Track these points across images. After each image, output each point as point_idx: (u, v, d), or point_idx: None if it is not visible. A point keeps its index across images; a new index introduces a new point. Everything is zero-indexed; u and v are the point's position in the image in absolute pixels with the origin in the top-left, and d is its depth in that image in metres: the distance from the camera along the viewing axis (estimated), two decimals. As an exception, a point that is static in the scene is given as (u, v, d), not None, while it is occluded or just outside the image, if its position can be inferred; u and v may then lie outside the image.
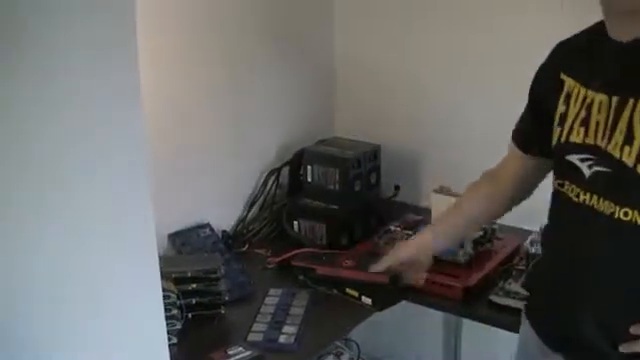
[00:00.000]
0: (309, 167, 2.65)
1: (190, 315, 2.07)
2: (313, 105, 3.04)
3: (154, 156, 2.28)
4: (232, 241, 2.61)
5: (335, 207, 2.60)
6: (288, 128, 2.92)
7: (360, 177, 2.64)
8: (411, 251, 2.07)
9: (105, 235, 1.27)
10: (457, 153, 2.73)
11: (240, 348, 1.93)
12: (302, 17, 2.94)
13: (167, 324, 1.93)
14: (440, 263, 2.25)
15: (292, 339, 2.00)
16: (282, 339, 2.00)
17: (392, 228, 2.61)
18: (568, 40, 1.67)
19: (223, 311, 2.13)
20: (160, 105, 2.33)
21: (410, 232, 2.55)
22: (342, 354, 3.22)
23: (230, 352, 1.92)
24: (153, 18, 2.21)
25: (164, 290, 1.94)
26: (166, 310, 1.92)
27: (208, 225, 2.56)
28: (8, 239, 1.13)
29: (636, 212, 1.41)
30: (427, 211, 2.58)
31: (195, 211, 2.58)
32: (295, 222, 2.65)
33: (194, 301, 2.09)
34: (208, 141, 2.60)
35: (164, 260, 2.12)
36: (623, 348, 1.49)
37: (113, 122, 1.26)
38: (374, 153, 2.72)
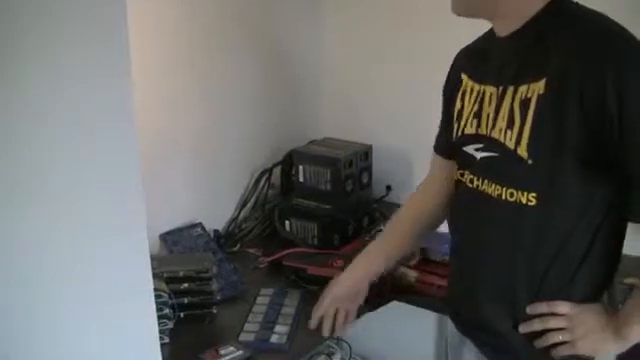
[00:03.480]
0: (300, 167, 2.66)
1: (182, 314, 2.07)
2: (304, 105, 3.06)
3: (146, 156, 2.31)
4: (224, 241, 2.61)
5: (327, 207, 2.60)
6: (280, 128, 2.93)
7: (352, 177, 2.65)
8: (346, 287, 2.04)
9: (96, 235, 1.27)
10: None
11: (232, 348, 1.93)
12: (291, 18, 2.95)
13: (159, 323, 1.94)
14: (431, 264, 2.26)
15: (284, 339, 2.00)
16: (274, 339, 2.00)
17: (383, 228, 2.61)
18: (469, 45, 1.78)
19: (215, 311, 2.13)
20: (151, 105, 2.33)
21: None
22: (334, 354, 3.22)
23: (222, 352, 1.91)
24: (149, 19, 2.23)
25: (156, 290, 1.95)
26: (158, 309, 1.93)
27: (200, 225, 2.57)
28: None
29: (519, 192, 1.49)
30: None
31: (187, 211, 2.59)
32: (287, 222, 2.65)
33: (186, 300, 2.09)
34: (200, 141, 2.60)
35: (156, 260, 2.13)
36: (522, 328, 1.56)
37: (104, 122, 1.26)
38: (366, 153, 2.72)
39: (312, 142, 2.81)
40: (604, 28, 1.41)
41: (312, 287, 2.28)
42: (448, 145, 1.81)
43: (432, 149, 1.95)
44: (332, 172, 2.58)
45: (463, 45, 1.80)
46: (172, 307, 2.01)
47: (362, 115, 3.04)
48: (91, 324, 1.30)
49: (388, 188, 2.93)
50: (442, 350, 3.00)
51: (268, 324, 2.08)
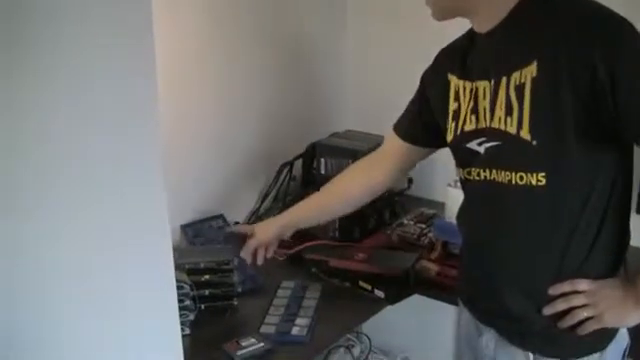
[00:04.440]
0: (322, 159, 2.65)
1: (203, 306, 2.08)
2: (328, 98, 3.05)
3: (168, 147, 2.31)
4: (245, 233, 2.60)
5: (348, 199, 2.57)
6: (302, 121, 2.93)
7: (373, 169, 2.62)
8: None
9: (119, 229, 1.26)
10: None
11: (252, 339, 1.94)
12: (316, 10, 2.95)
13: (180, 315, 1.94)
14: (452, 257, 2.25)
15: (304, 331, 2.00)
16: (294, 331, 2.00)
17: (405, 221, 2.62)
18: (449, 45, 1.82)
19: (236, 302, 2.13)
20: (174, 97, 2.34)
21: (423, 225, 2.55)
22: (353, 347, 3.23)
23: (242, 343, 1.92)
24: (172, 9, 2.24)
25: (177, 281, 1.96)
26: (179, 301, 1.93)
27: (221, 216, 2.56)
28: (22, 234, 1.12)
29: (528, 174, 1.51)
30: (440, 205, 2.58)
31: (208, 203, 2.59)
32: (308, 214, 2.64)
33: (207, 292, 2.09)
34: (222, 133, 2.60)
35: (177, 251, 2.14)
36: (546, 310, 1.59)
37: (127, 119, 1.25)
38: (387, 146, 2.70)
39: (334, 134, 2.80)
40: (586, 6, 1.44)
41: (333, 280, 2.28)
42: (417, 133, 1.98)
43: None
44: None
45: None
46: (193, 299, 2.02)
47: (385, 108, 3.01)
48: (113, 317, 1.29)
49: (410, 181, 2.91)
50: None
51: (289, 317, 2.08)
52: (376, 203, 2.63)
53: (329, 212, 2.22)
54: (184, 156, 2.45)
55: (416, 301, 2.26)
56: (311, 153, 2.72)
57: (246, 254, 2.13)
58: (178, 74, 2.36)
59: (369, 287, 2.20)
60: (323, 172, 2.65)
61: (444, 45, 1.84)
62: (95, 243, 1.22)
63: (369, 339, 3.21)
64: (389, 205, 2.75)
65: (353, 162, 2.53)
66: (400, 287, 2.20)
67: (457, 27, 1.74)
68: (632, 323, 1.58)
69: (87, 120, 1.15)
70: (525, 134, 1.48)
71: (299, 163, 2.81)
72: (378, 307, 2.21)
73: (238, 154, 2.68)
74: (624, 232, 1.60)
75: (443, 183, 2.52)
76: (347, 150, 2.61)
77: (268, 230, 2.14)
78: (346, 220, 2.55)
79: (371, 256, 2.30)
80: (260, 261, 2.14)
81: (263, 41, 2.70)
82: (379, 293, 2.18)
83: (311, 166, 2.73)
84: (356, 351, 3.25)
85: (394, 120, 2.93)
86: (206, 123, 2.53)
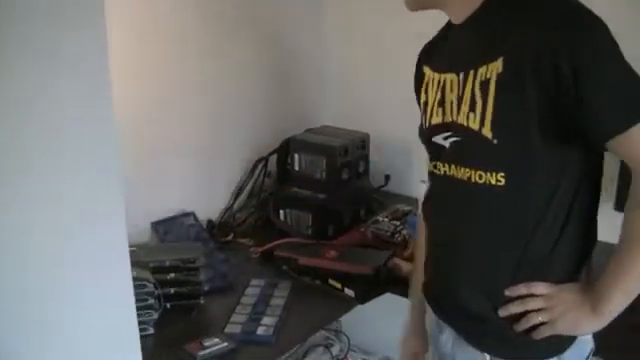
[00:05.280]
0: (296, 155, 2.61)
1: (168, 305, 2.04)
2: (303, 93, 3.01)
3: (139, 144, 2.28)
4: (217, 230, 2.57)
5: (321, 196, 2.55)
6: (279, 116, 2.89)
7: (348, 166, 2.60)
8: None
9: (73, 223, 1.25)
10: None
11: (216, 339, 1.89)
12: (291, 6, 2.90)
13: (143, 314, 1.92)
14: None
15: (270, 331, 1.95)
16: (260, 331, 1.96)
17: (380, 219, 2.58)
18: (431, 39, 1.77)
19: (203, 301, 2.09)
20: (145, 92, 2.31)
21: (397, 222, 2.51)
22: (332, 346, 3.20)
23: (205, 343, 1.87)
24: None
25: (140, 279, 1.93)
26: (142, 300, 1.91)
27: (192, 214, 2.53)
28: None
29: (488, 173, 1.47)
30: (417, 201, 2.54)
31: (180, 200, 2.55)
32: (281, 211, 2.61)
33: (172, 291, 2.05)
34: (194, 128, 2.56)
35: (143, 249, 2.10)
36: (502, 312, 1.54)
37: (82, 116, 1.23)
38: (362, 142, 2.67)
39: (309, 130, 2.76)
40: (556, 3, 1.40)
41: (304, 278, 2.24)
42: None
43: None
44: (327, 160, 2.53)
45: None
46: (158, 297, 1.98)
47: (363, 104, 2.99)
48: (64, 315, 1.28)
49: (387, 178, 2.87)
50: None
51: (256, 316, 2.03)
52: (352, 200, 2.60)
53: None
54: (155, 153, 2.41)
55: (395, 300, 2.21)
56: (285, 149, 2.68)
57: None
58: (151, 70, 2.33)
59: (339, 286, 2.16)
60: (297, 168, 2.61)
61: (425, 41, 1.80)
62: (45, 240, 1.21)
63: (348, 338, 3.17)
64: (365, 202, 2.70)
65: (328, 159, 2.51)
66: (371, 286, 2.16)
67: (441, 23, 1.71)
68: (586, 332, 1.54)
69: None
70: (487, 132, 1.44)
71: (274, 159, 2.77)
72: (348, 306, 2.17)
73: (212, 150, 2.64)
74: (589, 235, 1.55)
75: (420, 179, 2.47)
76: (321, 146, 2.57)
77: (418, 338, 2.02)
78: (319, 217, 2.51)
79: (343, 254, 2.27)
80: None
81: (240, 36, 2.66)
82: (349, 292, 2.14)
83: (286, 162, 2.69)
84: (335, 350, 3.21)
85: (372, 117, 2.93)
86: (178, 119, 2.49)
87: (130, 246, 2.03)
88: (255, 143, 2.79)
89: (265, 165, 2.76)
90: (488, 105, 1.43)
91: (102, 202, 1.32)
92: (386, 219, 2.56)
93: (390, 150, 2.89)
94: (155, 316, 1.96)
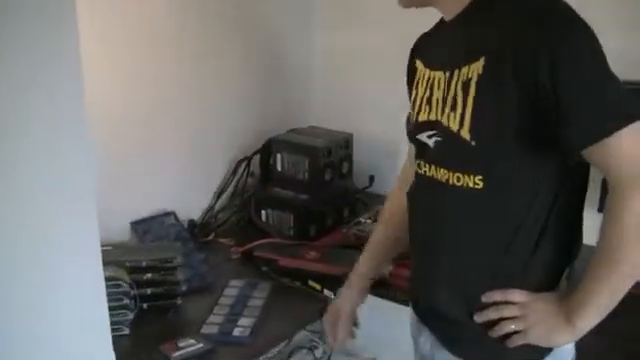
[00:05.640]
0: (279, 156, 2.59)
1: (145, 305, 2.01)
2: (288, 93, 2.98)
3: (119, 142, 2.26)
4: (197, 230, 2.54)
5: (304, 197, 2.53)
6: (263, 116, 2.86)
7: (331, 166, 2.58)
8: (333, 320, 1.96)
9: (44, 220, 1.24)
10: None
11: (192, 340, 1.87)
12: (279, 5, 2.88)
13: (118, 314, 1.90)
14: (407, 257, 2.18)
15: (247, 332, 1.93)
16: (237, 332, 1.94)
17: (362, 220, 2.56)
18: (426, 32, 1.73)
19: (180, 302, 2.06)
20: (126, 90, 2.30)
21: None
22: (316, 348, 3.17)
23: (181, 344, 1.85)
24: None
25: (116, 279, 1.90)
26: (117, 300, 1.89)
27: (173, 213, 2.50)
28: None
29: (466, 176, 1.44)
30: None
31: (162, 199, 2.52)
32: (263, 212, 2.59)
33: (149, 291, 2.02)
34: (177, 128, 2.54)
35: (120, 248, 2.08)
36: (478, 317, 1.51)
37: (55, 116, 1.22)
38: (346, 142, 2.66)
39: (293, 130, 2.74)
40: (540, 4, 1.37)
41: (284, 279, 2.22)
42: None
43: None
44: (310, 161, 2.51)
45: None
46: (133, 297, 1.95)
47: (348, 105, 2.97)
48: (34, 313, 1.27)
49: (371, 179, 2.85)
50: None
51: (233, 316, 2.01)
52: (334, 201, 2.58)
53: (395, 245, 1.93)
54: (136, 152, 2.39)
55: (379, 302, 2.19)
56: (268, 149, 2.66)
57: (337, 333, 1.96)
58: (132, 73, 2.31)
59: (319, 287, 2.14)
60: (279, 169, 2.59)
61: (411, 43, 1.77)
62: (15, 237, 1.20)
63: (332, 340, 3.15)
64: (349, 203, 2.68)
65: (311, 159, 2.49)
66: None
67: (428, 24, 1.68)
68: (558, 343, 1.49)
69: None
70: (465, 133, 1.41)
71: (257, 159, 2.74)
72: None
73: (195, 149, 2.62)
74: (571, 241, 1.52)
75: (405, 180, 2.46)
76: (303, 146, 2.55)
77: (349, 299, 1.96)
78: (301, 218, 2.49)
79: (323, 255, 2.25)
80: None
81: (225, 35, 2.64)
82: (329, 293, 2.12)
83: (269, 162, 2.66)
84: (318, 352, 3.19)
85: (357, 118, 2.91)
86: (161, 117, 2.47)
87: (107, 245, 2.03)
88: (239, 143, 2.77)
89: (248, 165, 2.74)
90: (468, 106, 1.41)
91: (71, 200, 1.30)
92: (369, 220, 2.54)
93: (375, 151, 2.87)
94: (130, 316, 1.93)
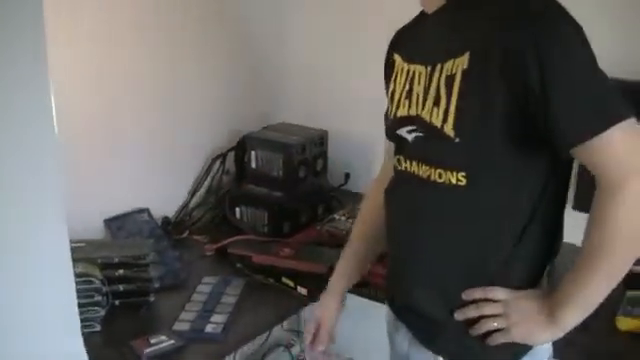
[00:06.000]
0: (253, 152, 2.58)
1: (117, 302, 2.00)
2: (264, 90, 2.98)
3: (92, 138, 2.25)
4: (172, 227, 2.54)
5: (278, 194, 2.53)
6: (238, 113, 2.85)
7: (305, 163, 2.58)
8: (314, 329, 1.93)
9: (9, 216, 1.23)
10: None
11: (163, 337, 1.86)
12: (253, 1, 2.86)
13: (89, 311, 1.90)
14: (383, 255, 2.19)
15: (219, 329, 1.93)
16: (209, 328, 1.94)
17: (336, 217, 2.55)
18: (405, 24, 1.70)
19: (152, 299, 2.06)
20: (97, 87, 2.28)
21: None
22: (293, 346, 3.19)
23: (152, 341, 1.84)
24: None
25: (87, 275, 1.89)
26: (88, 296, 1.88)
27: (147, 210, 2.49)
28: None
29: (448, 172, 1.42)
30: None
31: (136, 196, 2.51)
32: (237, 209, 2.58)
33: (121, 288, 2.02)
34: (151, 125, 2.52)
35: (91, 245, 2.07)
36: (458, 314, 1.49)
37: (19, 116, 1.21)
38: (321, 139, 2.65)
39: (267, 127, 2.74)
40: None
41: (257, 276, 2.21)
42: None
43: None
44: (284, 158, 2.51)
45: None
46: (105, 294, 1.94)
47: (323, 102, 2.97)
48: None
49: (347, 176, 2.85)
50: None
51: (206, 313, 2.01)
52: (309, 198, 2.58)
53: (375, 245, 1.88)
54: (108, 148, 2.37)
55: (357, 300, 2.19)
56: (243, 146, 2.65)
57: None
58: (104, 69, 2.29)
59: (292, 284, 2.14)
60: (254, 166, 2.59)
61: (385, 38, 1.75)
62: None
63: (308, 338, 3.15)
64: (323, 200, 2.68)
65: (285, 156, 2.49)
66: (324, 284, 2.12)
67: (403, 19, 1.67)
68: (541, 342, 1.49)
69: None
70: (449, 129, 1.38)
71: (232, 156, 2.74)
72: (301, 304, 2.16)
73: (169, 146, 2.60)
74: (552, 240, 1.50)
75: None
76: (277, 143, 2.55)
77: (330, 306, 1.92)
78: (275, 215, 2.49)
79: (297, 252, 2.25)
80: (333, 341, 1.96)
81: (200, 33, 2.64)
82: (302, 290, 2.12)
83: (243, 159, 2.65)
84: (295, 350, 3.20)
85: (332, 115, 2.90)
86: (134, 116, 2.46)
87: (80, 242, 2.02)
88: (214, 140, 2.76)
89: (223, 162, 2.73)
90: (452, 102, 1.38)
91: (40, 198, 1.30)
92: (343, 217, 2.54)
93: (351, 148, 2.87)
94: (102, 313, 1.93)
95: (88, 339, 1.53)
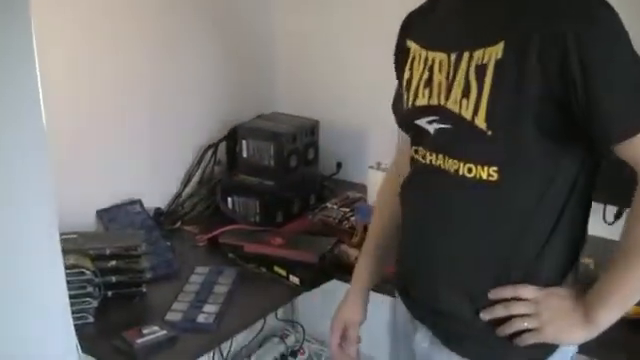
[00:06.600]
0: (244, 142, 2.58)
1: (110, 293, 2.01)
2: (255, 80, 2.97)
3: (82, 130, 2.25)
4: (164, 218, 2.54)
5: (269, 183, 2.53)
6: (230, 102, 2.84)
7: (296, 152, 2.58)
8: (341, 331, 1.84)
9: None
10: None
11: (155, 327, 1.86)
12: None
13: (82, 302, 1.90)
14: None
15: (211, 319, 1.93)
16: (201, 318, 1.94)
17: (329, 206, 2.56)
18: (416, 9, 1.63)
19: (145, 289, 2.06)
20: (89, 78, 2.29)
21: (346, 209, 2.49)
22: (287, 336, 3.20)
23: (145, 331, 1.84)
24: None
25: (79, 267, 1.89)
26: (80, 288, 1.89)
27: (139, 202, 2.49)
28: None
29: (479, 167, 1.36)
30: (366, 188, 2.53)
31: (128, 187, 2.51)
32: (229, 199, 2.58)
33: (114, 279, 2.02)
34: (142, 117, 2.52)
35: (82, 236, 2.06)
36: (484, 314, 1.44)
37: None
38: (311, 128, 2.65)
39: (259, 117, 2.73)
40: None
41: (250, 265, 2.22)
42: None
43: (390, 126, 1.73)
44: (275, 147, 2.51)
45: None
46: (97, 285, 1.94)
47: (314, 91, 2.96)
48: None
49: (339, 165, 2.86)
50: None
51: (198, 303, 2.01)
52: (300, 187, 2.58)
53: (393, 240, 1.76)
54: (100, 140, 2.37)
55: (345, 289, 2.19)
56: (234, 136, 2.65)
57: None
58: (94, 54, 2.29)
59: (284, 273, 2.14)
60: (245, 155, 2.58)
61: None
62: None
63: (303, 328, 3.16)
64: (315, 189, 2.69)
65: (276, 145, 2.48)
66: (316, 273, 2.14)
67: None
68: (576, 341, 1.44)
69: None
70: (480, 122, 1.33)
71: (224, 146, 2.74)
72: (293, 293, 2.17)
73: (161, 136, 2.60)
74: (580, 237, 1.46)
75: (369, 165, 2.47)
76: (268, 132, 2.55)
77: (356, 305, 1.84)
78: (267, 205, 2.49)
79: (288, 241, 2.25)
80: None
81: (190, 22, 2.63)
82: (294, 279, 2.13)
83: (235, 149, 2.65)
84: (290, 340, 3.20)
85: (324, 104, 2.89)
86: (125, 106, 2.45)
87: (72, 234, 2.02)
88: (205, 131, 2.76)
89: (214, 152, 2.73)
90: (484, 93, 1.32)
91: (31, 192, 1.30)
92: (335, 206, 2.54)
93: (343, 138, 2.87)
94: (94, 304, 1.93)
95: (81, 330, 1.54)
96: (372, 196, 2.38)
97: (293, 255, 2.18)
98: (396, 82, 1.67)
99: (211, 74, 2.77)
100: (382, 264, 1.81)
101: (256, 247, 2.23)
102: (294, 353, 3.18)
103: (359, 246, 2.18)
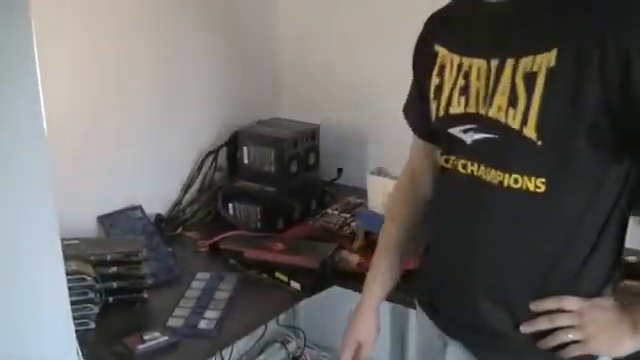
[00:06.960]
0: (245, 148, 2.59)
1: (111, 299, 2.00)
2: (256, 85, 2.97)
3: (84, 136, 2.25)
4: (165, 224, 2.53)
5: (271, 189, 2.53)
6: (230, 108, 2.84)
7: (297, 158, 2.58)
8: (354, 349, 1.81)
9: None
10: (404, 133, 2.65)
11: (157, 333, 1.86)
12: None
13: (83, 308, 1.89)
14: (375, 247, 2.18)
15: (212, 325, 1.93)
16: (202, 324, 1.94)
17: (329, 211, 2.55)
18: (440, 10, 1.57)
19: (146, 295, 2.06)
20: (89, 84, 2.29)
21: (347, 215, 2.48)
22: (289, 342, 3.18)
23: (146, 337, 1.84)
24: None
25: (80, 273, 1.89)
26: (82, 294, 1.88)
27: (139, 207, 2.49)
28: None
29: (525, 178, 1.32)
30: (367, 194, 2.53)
31: (129, 193, 2.50)
32: (230, 205, 2.58)
33: (115, 285, 2.01)
34: (144, 123, 2.53)
35: (85, 242, 2.06)
36: (525, 327, 1.40)
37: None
38: (312, 133, 2.65)
39: (259, 122, 2.74)
40: None
41: (251, 271, 2.22)
42: (425, 126, 1.60)
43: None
44: (276, 153, 2.51)
45: (419, 19, 1.59)
46: (98, 291, 1.94)
47: (315, 97, 2.96)
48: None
49: (339, 171, 2.85)
50: (397, 339, 2.92)
51: (199, 309, 2.01)
52: (301, 193, 2.58)
53: (409, 251, 1.78)
54: (101, 146, 2.37)
55: (353, 295, 2.16)
56: (235, 141, 2.65)
57: None
58: (94, 66, 2.30)
59: (285, 278, 2.14)
60: (246, 161, 2.59)
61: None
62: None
63: (304, 334, 3.16)
64: (316, 195, 2.69)
65: (276, 151, 2.48)
66: (317, 279, 2.14)
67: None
68: (623, 353, 1.37)
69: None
70: (530, 132, 1.28)
71: (225, 152, 2.74)
72: (295, 299, 2.16)
73: (162, 143, 2.60)
74: (620, 248, 1.42)
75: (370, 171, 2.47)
76: (269, 138, 2.55)
77: (369, 321, 1.80)
78: (268, 211, 2.49)
79: (289, 247, 2.25)
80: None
81: (192, 28, 2.63)
82: (295, 285, 2.12)
83: (236, 155, 2.66)
84: (291, 346, 3.20)
85: (325, 109, 2.89)
86: (125, 113, 2.45)
87: (73, 239, 2.02)
88: (206, 137, 2.76)
89: (215, 158, 2.73)
90: (534, 102, 1.28)
91: (32, 198, 1.28)
92: (336, 212, 2.54)
93: (344, 142, 2.87)
94: (96, 310, 1.92)
95: (82, 336, 1.54)
96: (373, 202, 2.38)
97: (294, 261, 2.17)
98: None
99: (211, 81, 2.77)
100: (393, 279, 1.78)
101: (257, 253, 2.23)
102: (295, 359, 3.17)
103: (360, 252, 2.21)
